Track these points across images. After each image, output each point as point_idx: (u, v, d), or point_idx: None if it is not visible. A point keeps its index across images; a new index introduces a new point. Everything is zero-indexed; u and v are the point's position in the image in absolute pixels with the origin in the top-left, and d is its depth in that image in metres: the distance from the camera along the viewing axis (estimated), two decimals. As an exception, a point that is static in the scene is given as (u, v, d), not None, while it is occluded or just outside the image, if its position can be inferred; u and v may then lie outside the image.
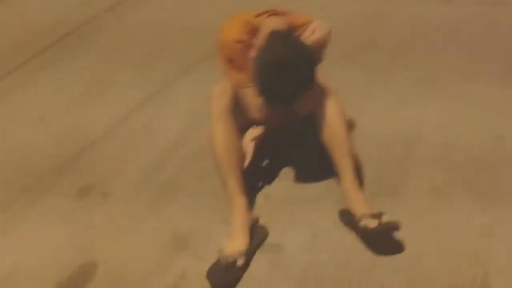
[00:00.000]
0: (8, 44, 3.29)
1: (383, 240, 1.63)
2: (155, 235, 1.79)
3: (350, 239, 1.68)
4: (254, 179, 1.94)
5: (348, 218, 1.70)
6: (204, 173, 1.98)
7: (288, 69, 1.61)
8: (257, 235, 1.72)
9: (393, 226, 1.59)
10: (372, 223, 1.60)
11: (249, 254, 1.65)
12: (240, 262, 1.61)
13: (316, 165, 1.94)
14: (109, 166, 2.17)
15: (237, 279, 1.60)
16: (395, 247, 1.63)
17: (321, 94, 1.80)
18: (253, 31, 1.80)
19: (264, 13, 1.83)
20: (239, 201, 1.75)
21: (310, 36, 1.79)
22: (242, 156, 1.86)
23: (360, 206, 1.67)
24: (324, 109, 1.79)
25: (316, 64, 1.73)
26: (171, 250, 1.73)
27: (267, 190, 1.93)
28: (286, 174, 1.98)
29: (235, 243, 1.65)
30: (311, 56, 1.68)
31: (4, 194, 2.09)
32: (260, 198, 1.90)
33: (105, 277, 1.67)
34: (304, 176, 1.95)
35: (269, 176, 1.98)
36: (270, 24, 1.76)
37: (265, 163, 2.03)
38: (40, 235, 1.88)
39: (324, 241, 1.69)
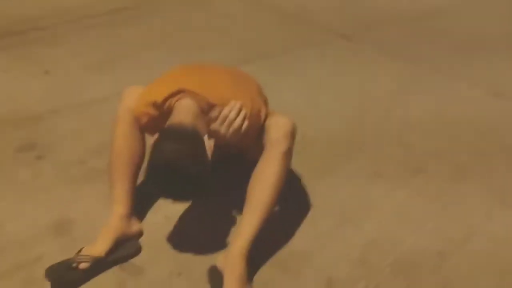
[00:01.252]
0: None
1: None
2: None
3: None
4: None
5: (215, 281, 1.51)
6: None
7: (169, 178, 1.45)
8: (125, 249, 1.62)
9: None
10: None
11: (100, 263, 1.56)
12: (83, 266, 1.53)
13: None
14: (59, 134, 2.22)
15: (73, 283, 1.52)
16: None
17: (271, 147, 1.62)
18: (161, 113, 1.65)
19: (174, 94, 1.62)
20: (116, 210, 1.67)
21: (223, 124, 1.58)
22: (137, 164, 1.73)
23: (233, 280, 1.48)
24: (264, 162, 1.61)
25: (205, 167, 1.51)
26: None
27: (173, 210, 1.81)
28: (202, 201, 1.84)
29: (92, 248, 1.58)
30: (200, 162, 1.49)
31: None
32: (159, 215, 1.80)
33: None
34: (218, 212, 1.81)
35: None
36: (179, 111, 1.58)
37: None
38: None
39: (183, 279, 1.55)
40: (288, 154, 1.63)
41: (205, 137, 1.55)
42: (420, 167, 2.10)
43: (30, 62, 2.84)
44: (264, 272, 1.60)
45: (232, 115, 1.58)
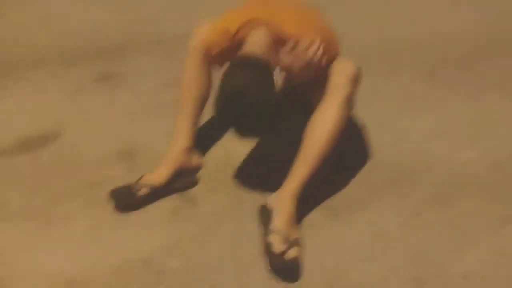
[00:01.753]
0: None
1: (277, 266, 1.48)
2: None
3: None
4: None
5: (265, 218, 1.55)
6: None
7: (236, 107, 1.45)
8: (183, 180, 1.70)
9: (292, 266, 1.46)
10: (278, 246, 1.47)
11: (159, 191, 1.65)
12: (143, 191, 1.63)
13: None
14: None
15: (133, 206, 1.63)
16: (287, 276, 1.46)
17: (332, 93, 1.60)
18: (233, 43, 1.64)
19: (248, 23, 1.62)
20: (178, 142, 1.73)
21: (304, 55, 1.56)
22: (203, 98, 1.77)
23: (281, 219, 1.52)
24: (323, 107, 1.60)
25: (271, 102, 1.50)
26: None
27: (233, 147, 1.85)
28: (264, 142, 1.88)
29: (153, 176, 1.67)
30: (267, 96, 1.47)
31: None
32: (220, 152, 1.86)
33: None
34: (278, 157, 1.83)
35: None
36: (251, 41, 1.58)
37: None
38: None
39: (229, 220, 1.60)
40: (348, 101, 1.60)
41: (276, 70, 1.55)
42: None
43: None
44: (314, 217, 1.62)
45: (310, 51, 1.57)
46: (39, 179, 1.74)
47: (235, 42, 1.64)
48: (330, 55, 1.66)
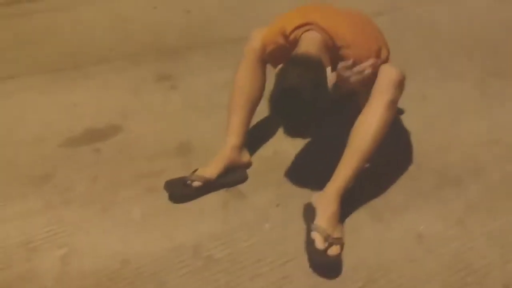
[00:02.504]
0: None
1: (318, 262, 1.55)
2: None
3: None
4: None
5: (309, 215, 1.62)
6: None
7: (290, 103, 1.51)
8: (233, 175, 1.80)
9: (332, 263, 1.52)
10: (319, 243, 1.52)
11: (210, 184, 1.74)
12: (196, 184, 1.73)
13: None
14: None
15: (186, 197, 1.73)
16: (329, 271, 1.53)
17: (376, 97, 1.64)
18: (288, 42, 1.72)
19: (303, 25, 1.69)
20: (230, 140, 1.82)
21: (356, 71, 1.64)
22: (256, 98, 1.85)
23: (324, 217, 1.58)
24: (367, 110, 1.65)
25: (323, 104, 1.55)
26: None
27: (282, 147, 1.94)
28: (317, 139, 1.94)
29: (205, 170, 1.76)
30: (321, 94, 1.53)
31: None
32: (269, 150, 1.94)
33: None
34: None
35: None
36: (306, 42, 1.65)
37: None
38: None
39: (276, 215, 1.67)
40: (392, 104, 1.64)
41: (328, 70, 1.61)
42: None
43: (175, 1, 3.10)
44: (357, 218, 1.67)
45: (366, 70, 1.65)
46: (101, 168, 1.88)
47: (290, 42, 1.72)
48: (382, 62, 1.72)
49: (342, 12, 1.87)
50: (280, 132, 1.96)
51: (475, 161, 1.90)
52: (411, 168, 1.87)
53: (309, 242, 1.54)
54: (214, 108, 2.16)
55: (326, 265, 1.52)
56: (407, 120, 2.08)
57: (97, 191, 1.79)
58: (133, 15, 2.93)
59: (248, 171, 1.85)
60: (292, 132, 1.61)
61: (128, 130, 2.07)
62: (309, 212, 1.62)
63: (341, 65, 1.67)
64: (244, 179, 1.81)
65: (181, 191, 1.73)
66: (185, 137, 2.02)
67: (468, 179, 1.82)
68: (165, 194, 1.74)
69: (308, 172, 1.85)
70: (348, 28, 1.74)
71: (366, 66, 1.65)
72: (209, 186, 1.75)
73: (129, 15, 2.92)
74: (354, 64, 1.66)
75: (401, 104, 1.77)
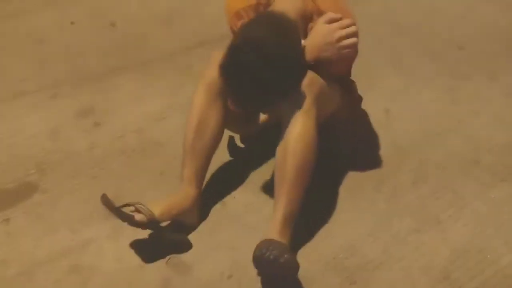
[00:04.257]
0: None
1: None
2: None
3: None
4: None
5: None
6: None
7: (249, 70, 1.28)
8: (176, 236, 1.50)
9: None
10: None
11: (152, 224, 1.44)
12: (128, 209, 1.43)
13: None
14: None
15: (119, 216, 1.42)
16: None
17: (296, 103, 1.39)
18: (262, 3, 1.49)
19: None
20: (183, 188, 1.52)
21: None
22: (214, 142, 1.56)
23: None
24: (292, 125, 1.39)
25: (297, 74, 1.36)
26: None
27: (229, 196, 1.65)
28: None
29: (154, 208, 1.44)
30: (293, 61, 1.31)
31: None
32: (220, 200, 1.64)
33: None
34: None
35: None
36: (283, 3, 1.42)
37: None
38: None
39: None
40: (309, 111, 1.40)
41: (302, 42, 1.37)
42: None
43: (97, 13, 2.69)
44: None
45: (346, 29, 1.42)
46: (11, 246, 1.52)
47: (264, 3, 1.49)
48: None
49: None
50: (233, 177, 1.69)
51: (453, 192, 1.66)
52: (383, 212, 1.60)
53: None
54: (147, 150, 1.83)
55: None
56: (368, 144, 1.82)
57: (7, 279, 1.45)
58: (48, 35, 2.52)
59: (194, 232, 1.54)
60: (242, 106, 1.41)
61: (45, 189, 1.71)
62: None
63: (323, 17, 1.43)
64: (188, 245, 1.50)
65: (113, 208, 1.41)
66: (113, 191, 1.68)
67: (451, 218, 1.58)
68: (94, 277, 1.43)
69: (259, 226, 1.52)
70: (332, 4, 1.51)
71: (351, 23, 1.42)
72: (149, 226, 1.43)
73: (43, 35, 2.51)
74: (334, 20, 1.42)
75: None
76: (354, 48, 1.45)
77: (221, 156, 1.72)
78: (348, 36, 1.42)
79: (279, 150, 1.41)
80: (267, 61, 1.27)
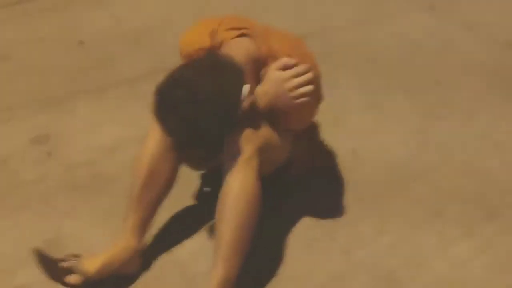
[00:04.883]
0: None
1: None
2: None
3: None
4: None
5: None
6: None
7: (174, 108, 1.21)
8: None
9: None
10: None
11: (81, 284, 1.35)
12: (65, 265, 1.35)
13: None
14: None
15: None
16: None
17: (236, 155, 1.30)
18: (214, 45, 1.40)
19: (238, 28, 1.39)
20: (123, 238, 1.42)
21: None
22: (162, 193, 1.46)
23: None
24: (230, 181, 1.31)
25: (231, 118, 1.27)
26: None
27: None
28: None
29: (89, 263, 1.36)
30: (225, 102, 1.23)
31: None
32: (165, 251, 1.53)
33: None
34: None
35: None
36: (234, 46, 1.33)
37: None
38: None
39: None
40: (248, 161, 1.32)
41: (246, 87, 1.28)
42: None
43: (67, 30, 2.60)
44: None
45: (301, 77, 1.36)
46: None
47: (216, 45, 1.40)
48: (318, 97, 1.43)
49: (276, 29, 1.54)
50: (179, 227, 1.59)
51: (413, 246, 1.54)
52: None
53: None
54: (96, 185, 1.74)
55: None
56: (328, 188, 1.72)
57: None
58: (12, 51, 2.43)
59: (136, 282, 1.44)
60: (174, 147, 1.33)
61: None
62: None
63: (276, 64, 1.35)
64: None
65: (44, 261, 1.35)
66: (56, 230, 1.58)
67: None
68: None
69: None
70: (285, 43, 1.43)
71: (306, 69, 1.36)
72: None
73: (7, 52, 2.42)
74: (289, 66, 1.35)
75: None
76: (310, 96, 1.36)
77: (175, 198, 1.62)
78: (303, 84, 1.34)
79: (218, 207, 1.32)
80: (193, 98, 1.19)
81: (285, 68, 1.35)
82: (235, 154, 1.30)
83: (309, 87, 1.34)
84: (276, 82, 1.34)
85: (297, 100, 1.35)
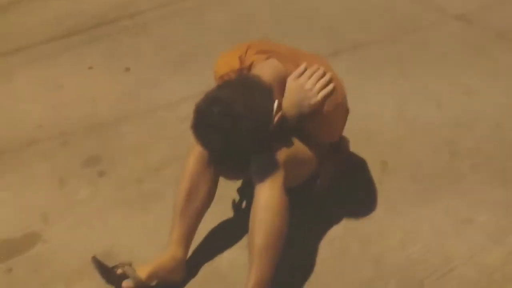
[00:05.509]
0: None
1: None
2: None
3: None
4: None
5: None
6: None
7: (212, 126, 1.33)
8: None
9: None
10: None
11: (136, 286, 1.48)
12: (118, 271, 1.49)
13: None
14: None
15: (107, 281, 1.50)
16: None
17: (263, 171, 1.42)
18: (243, 67, 1.54)
19: (266, 51, 1.52)
20: (170, 249, 1.56)
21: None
22: (203, 205, 1.61)
23: None
24: (259, 190, 1.42)
25: (264, 133, 1.38)
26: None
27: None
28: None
29: (141, 270, 1.50)
30: (258, 119, 1.35)
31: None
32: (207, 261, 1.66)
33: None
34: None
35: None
36: (262, 67, 1.46)
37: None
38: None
39: None
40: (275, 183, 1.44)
41: (276, 103, 1.40)
42: None
43: (114, 58, 2.79)
44: None
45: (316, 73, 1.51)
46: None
47: (246, 67, 1.54)
48: (337, 103, 1.53)
49: (302, 51, 1.68)
50: (224, 234, 1.72)
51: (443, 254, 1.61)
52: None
53: None
54: (144, 202, 1.89)
55: None
56: (359, 199, 1.80)
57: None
58: (67, 80, 2.64)
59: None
60: (211, 160, 1.44)
61: (47, 240, 1.80)
62: None
63: (291, 76, 1.49)
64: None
65: (103, 269, 1.49)
66: (109, 243, 1.74)
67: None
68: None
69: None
70: (311, 63, 1.55)
71: (322, 72, 1.51)
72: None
73: (63, 81, 2.63)
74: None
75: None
76: (331, 90, 1.50)
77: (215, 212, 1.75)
78: (319, 79, 1.49)
79: (250, 219, 1.44)
80: (228, 113, 1.32)
81: (299, 75, 1.49)
82: (263, 168, 1.42)
83: (327, 78, 1.48)
84: (295, 90, 1.47)
85: (319, 94, 1.48)
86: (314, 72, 1.50)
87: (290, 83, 1.49)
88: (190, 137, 1.55)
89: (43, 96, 2.53)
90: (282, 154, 1.42)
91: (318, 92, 1.48)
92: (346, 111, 1.65)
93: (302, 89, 1.47)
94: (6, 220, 1.89)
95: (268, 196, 1.40)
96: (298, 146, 1.49)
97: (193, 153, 1.59)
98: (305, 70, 1.51)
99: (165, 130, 2.23)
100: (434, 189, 1.83)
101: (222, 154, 1.39)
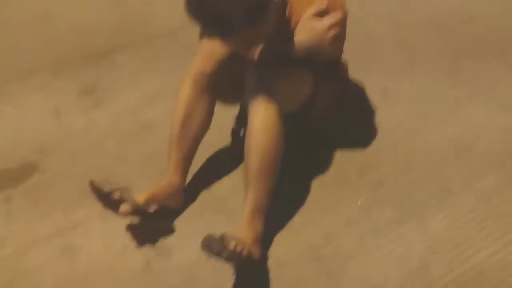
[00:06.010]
0: None
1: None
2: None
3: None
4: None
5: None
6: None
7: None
8: (159, 220, 1.56)
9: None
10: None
11: (137, 211, 1.50)
12: (116, 196, 1.46)
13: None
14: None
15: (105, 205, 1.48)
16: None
17: (260, 91, 1.38)
18: None
19: None
20: (168, 175, 1.56)
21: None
22: (199, 133, 1.59)
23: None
24: (253, 113, 1.40)
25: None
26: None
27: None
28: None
29: (138, 193, 1.49)
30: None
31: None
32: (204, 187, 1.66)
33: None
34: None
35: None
36: None
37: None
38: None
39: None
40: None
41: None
42: None
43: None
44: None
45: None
46: (11, 225, 1.63)
47: None
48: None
49: None
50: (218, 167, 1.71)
51: (440, 181, 1.62)
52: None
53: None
54: (140, 131, 1.87)
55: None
56: (357, 127, 1.79)
57: (2, 258, 1.55)
58: (60, 10, 2.55)
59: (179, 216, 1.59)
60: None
61: (44, 169, 1.79)
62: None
63: (310, 12, 1.39)
64: (170, 231, 1.55)
65: (105, 191, 1.46)
66: (106, 174, 1.72)
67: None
68: (81, 257, 1.51)
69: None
70: None
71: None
72: (135, 212, 1.48)
73: (55, 11, 2.54)
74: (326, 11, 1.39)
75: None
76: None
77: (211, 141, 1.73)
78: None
79: (245, 142, 1.43)
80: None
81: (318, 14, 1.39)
82: (258, 86, 1.39)
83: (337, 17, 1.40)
84: (310, 30, 1.39)
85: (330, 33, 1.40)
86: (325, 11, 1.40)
87: (304, 21, 1.40)
88: (187, 65, 1.54)
89: (33, 27, 2.46)
90: (277, 73, 1.39)
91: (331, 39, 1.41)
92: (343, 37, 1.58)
93: (315, 31, 1.40)
94: (1, 150, 1.88)
95: (263, 117, 1.38)
96: (295, 67, 1.45)
97: (188, 81, 1.56)
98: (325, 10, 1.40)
99: (160, 60, 2.18)
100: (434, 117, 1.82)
101: (213, 14, 1.27)
